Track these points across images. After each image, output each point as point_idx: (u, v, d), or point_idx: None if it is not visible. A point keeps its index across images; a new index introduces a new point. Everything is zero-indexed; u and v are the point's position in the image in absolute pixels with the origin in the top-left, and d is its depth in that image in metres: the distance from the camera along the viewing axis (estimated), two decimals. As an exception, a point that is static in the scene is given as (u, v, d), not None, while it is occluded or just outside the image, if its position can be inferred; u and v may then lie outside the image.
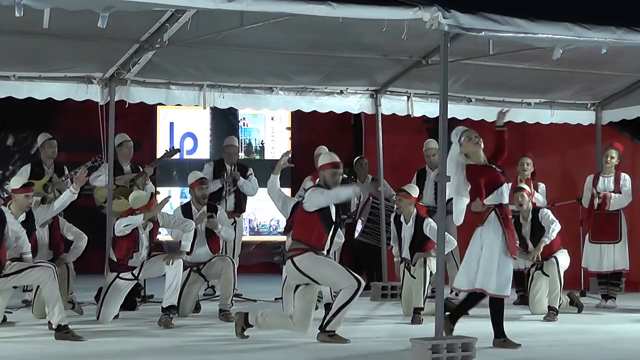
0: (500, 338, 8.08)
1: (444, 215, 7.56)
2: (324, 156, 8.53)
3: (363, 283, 8.16)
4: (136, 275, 9.43)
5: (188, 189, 10.42)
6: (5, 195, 10.34)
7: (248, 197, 11.74)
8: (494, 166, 8.15)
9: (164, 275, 9.33)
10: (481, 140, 8.16)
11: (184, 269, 9.94)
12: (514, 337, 8.56)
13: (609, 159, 11.14)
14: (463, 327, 8.21)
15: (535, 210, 10.24)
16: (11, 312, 9.71)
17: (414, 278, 9.79)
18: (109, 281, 9.43)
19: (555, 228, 10.01)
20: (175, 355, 7.79)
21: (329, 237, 8.21)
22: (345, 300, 8.07)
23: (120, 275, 9.42)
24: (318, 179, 8.50)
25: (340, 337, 8.11)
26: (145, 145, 14.83)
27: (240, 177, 11.43)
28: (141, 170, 11.10)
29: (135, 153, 11.69)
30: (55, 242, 9.70)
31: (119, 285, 9.45)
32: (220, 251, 10.38)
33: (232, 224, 11.29)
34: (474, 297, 8.15)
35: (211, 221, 9.96)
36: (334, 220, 8.23)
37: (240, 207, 11.56)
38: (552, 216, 10.14)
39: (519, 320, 9.94)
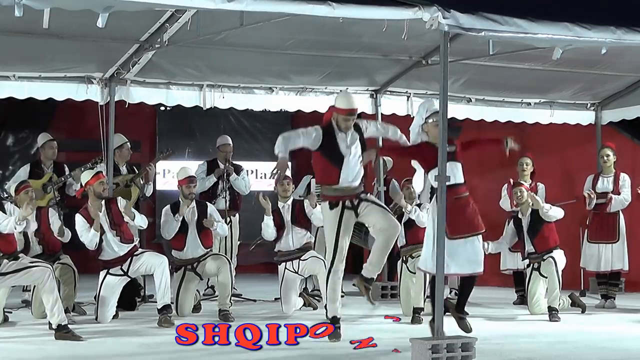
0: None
1: (444, 215, 7.55)
2: (341, 99, 8.37)
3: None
4: (126, 270, 9.45)
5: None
6: (5, 195, 10.35)
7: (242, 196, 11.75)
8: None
9: (153, 275, 9.39)
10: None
11: (179, 267, 9.99)
12: (514, 337, 8.58)
13: (605, 158, 11.16)
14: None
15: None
16: (11, 312, 9.72)
17: (412, 272, 9.84)
18: (100, 279, 9.47)
19: (556, 210, 10.06)
20: (175, 355, 7.79)
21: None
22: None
23: (110, 271, 9.45)
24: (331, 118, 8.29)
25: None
26: (145, 145, 14.84)
27: (234, 173, 11.45)
28: (137, 171, 11.11)
29: (135, 153, 11.69)
30: (45, 239, 9.69)
31: (111, 282, 9.46)
32: (214, 248, 10.40)
33: (228, 223, 11.30)
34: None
35: (207, 220, 9.97)
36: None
37: (235, 205, 11.57)
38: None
39: (518, 320, 9.96)
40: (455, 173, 8.04)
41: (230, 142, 11.66)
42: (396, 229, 8.37)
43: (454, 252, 7.89)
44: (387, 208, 8.57)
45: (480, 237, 8.13)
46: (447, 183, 7.74)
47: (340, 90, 11.50)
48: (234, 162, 11.64)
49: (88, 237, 9.26)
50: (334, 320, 8.27)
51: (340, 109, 8.25)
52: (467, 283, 8.28)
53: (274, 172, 7.98)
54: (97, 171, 9.62)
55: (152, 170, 11.15)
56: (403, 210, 10.00)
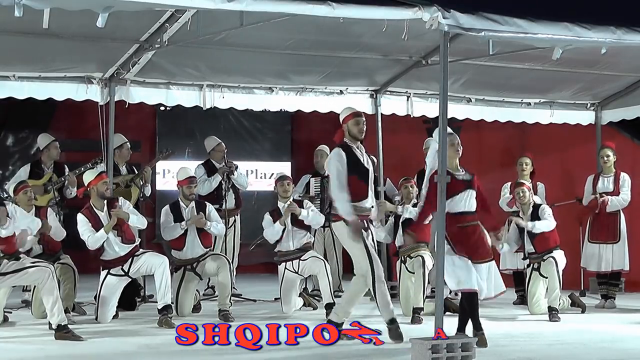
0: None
1: (444, 215, 7.56)
2: (345, 109, 8.57)
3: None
4: (126, 270, 9.45)
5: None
6: (5, 195, 10.36)
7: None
8: (460, 171, 8.14)
9: (153, 275, 9.39)
10: (461, 148, 8.16)
11: (179, 267, 9.99)
12: (514, 337, 8.58)
13: (605, 158, 11.15)
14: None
15: (536, 206, 10.27)
16: (11, 312, 9.72)
17: (411, 273, 9.84)
18: (101, 280, 9.47)
19: (543, 223, 10.03)
20: (175, 355, 7.79)
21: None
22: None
23: (111, 271, 9.45)
24: (343, 137, 8.40)
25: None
26: (145, 145, 14.84)
27: (235, 171, 11.46)
28: (136, 171, 11.10)
29: (135, 153, 11.69)
30: (45, 239, 9.68)
31: (111, 282, 9.47)
32: (215, 247, 10.38)
33: (233, 222, 11.31)
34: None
35: (199, 220, 9.94)
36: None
37: (239, 203, 11.58)
38: (548, 213, 10.14)
39: (518, 320, 9.96)
40: (467, 200, 8.13)
41: (221, 141, 11.69)
42: (366, 279, 8.29)
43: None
44: (375, 250, 8.44)
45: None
46: (458, 210, 7.96)
47: (340, 91, 11.55)
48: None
49: (94, 238, 9.26)
50: (392, 322, 8.28)
51: (348, 115, 8.42)
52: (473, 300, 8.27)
53: (354, 236, 8.13)
54: (100, 171, 9.64)
55: (148, 173, 11.16)
56: (397, 212, 10.08)
